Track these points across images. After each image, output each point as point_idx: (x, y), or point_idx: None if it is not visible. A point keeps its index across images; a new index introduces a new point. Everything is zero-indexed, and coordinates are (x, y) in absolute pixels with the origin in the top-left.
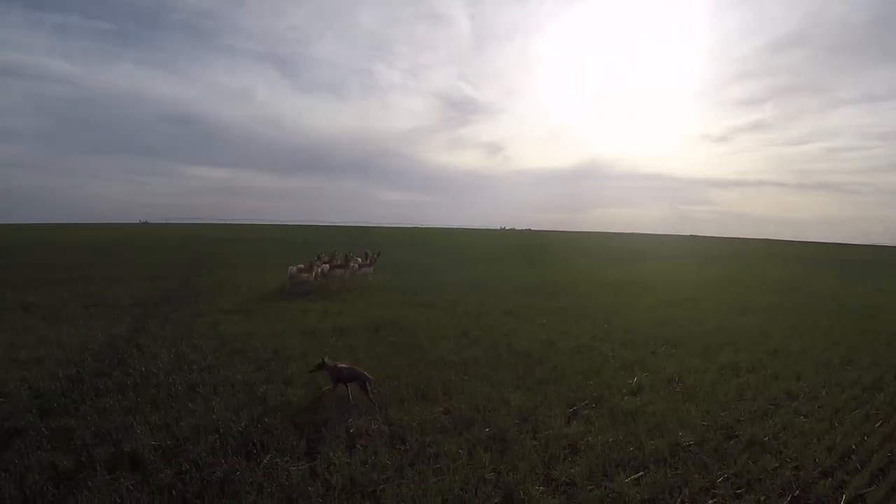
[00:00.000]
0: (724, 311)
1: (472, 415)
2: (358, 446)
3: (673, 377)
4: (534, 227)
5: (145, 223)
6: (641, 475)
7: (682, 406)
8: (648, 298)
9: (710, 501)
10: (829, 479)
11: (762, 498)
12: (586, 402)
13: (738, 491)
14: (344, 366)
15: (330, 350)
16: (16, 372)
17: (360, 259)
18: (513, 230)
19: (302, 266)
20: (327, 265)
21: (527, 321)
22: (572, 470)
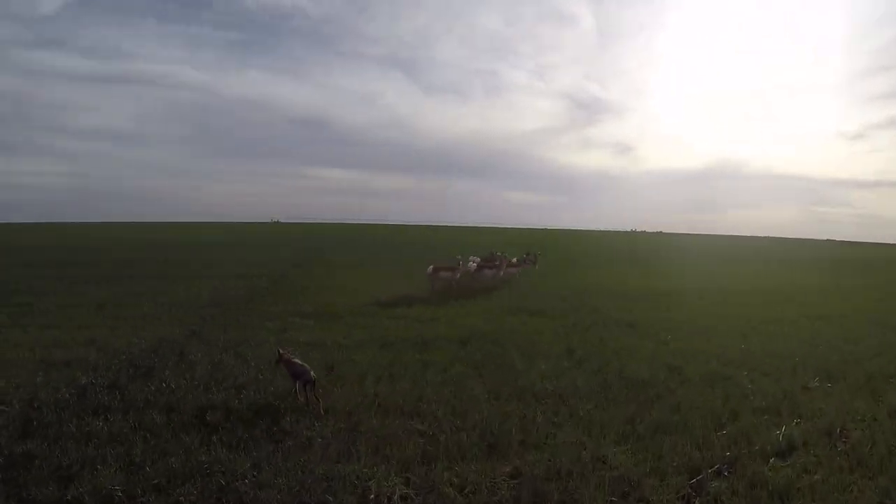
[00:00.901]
0: (879, 330)
1: (548, 484)
2: None
3: (833, 427)
4: (664, 230)
5: (276, 222)
6: None
7: (849, 478)
8: (789, 311)
9: None
10: None
11: None
12: (716, 466)
13: None
14: (297, 361)
15: (397, 368)
16: (32, 376)
17: (514, 259)
18: (643, 233)
19: (441, 265)
20: (474, 264)
21: (648, 336)
22: None
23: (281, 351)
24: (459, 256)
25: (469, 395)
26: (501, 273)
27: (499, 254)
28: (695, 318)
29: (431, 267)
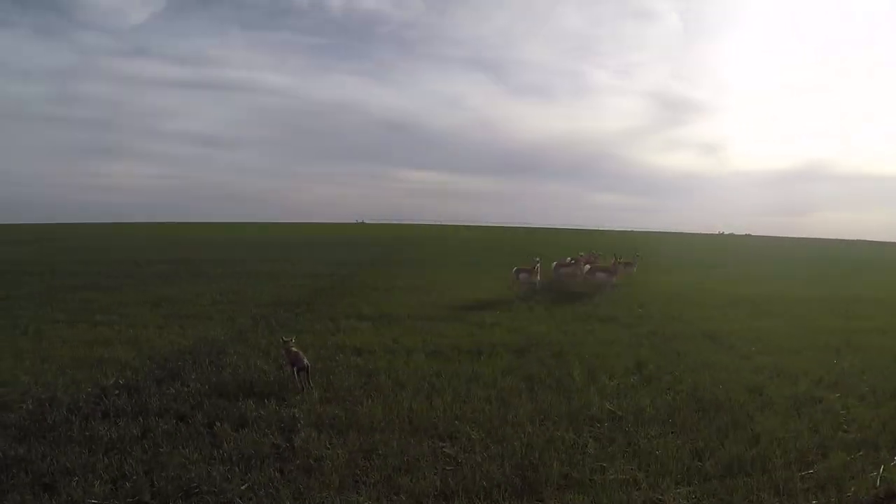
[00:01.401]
0: None
1: None
2: None
3: None
4: (752, 233)
5: (362, 223)
6: None
7: None
8: (886, 321)
9: None
10: None
11: None
12: None
13: None
14: (294, 350)
15: (441, 379)
16: (59, 374)
17: (623, 260)
18: (731, 235)
19: (523, 267)
20: (587, 266)
21: (729, 349)
22: None
23: (285, 339)
24: (538, 258)
25: (514, 415)
26: (615, 278)
27: (596, 255)
28: (782, 329)
29: (514, 270)
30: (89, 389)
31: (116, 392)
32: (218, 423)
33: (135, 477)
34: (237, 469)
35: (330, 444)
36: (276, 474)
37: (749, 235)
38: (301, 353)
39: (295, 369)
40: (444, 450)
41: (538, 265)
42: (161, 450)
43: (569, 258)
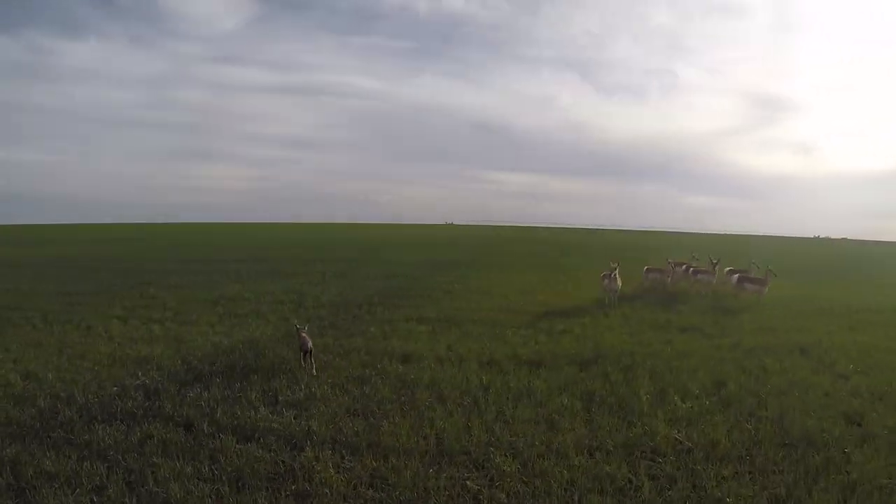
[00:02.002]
0: None
1: None
2: None
3: None
4: (849, 236)
5: (450, 224)
6: None
7: None
8: None
9: None
10: None
11: None
12: None
13: None
14: (304, 335)
15: (487, 394)
16: (87, 372)
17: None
18: (826, 239)
19: (653, 267)
20: (735, 276)
21: (824, 367)
22: None
23: (298, 327)
24: (671, 260)
25: (560, 443)
26: (766, 290)
27: (714, 260)
28: (883, 343)
29: (602, 274)
30: (114, 389)
31: (134, 394)
32: (223, 435)
33: (113, 488)
34: (226, 489)
35: (337, 466)
36: (264, 502)
37: (846, 239)
38: (307, 337)
39: (301, 353)
40: (466, 482)
41: (615, 272)
42: (154, 460)
43: (669, 261)
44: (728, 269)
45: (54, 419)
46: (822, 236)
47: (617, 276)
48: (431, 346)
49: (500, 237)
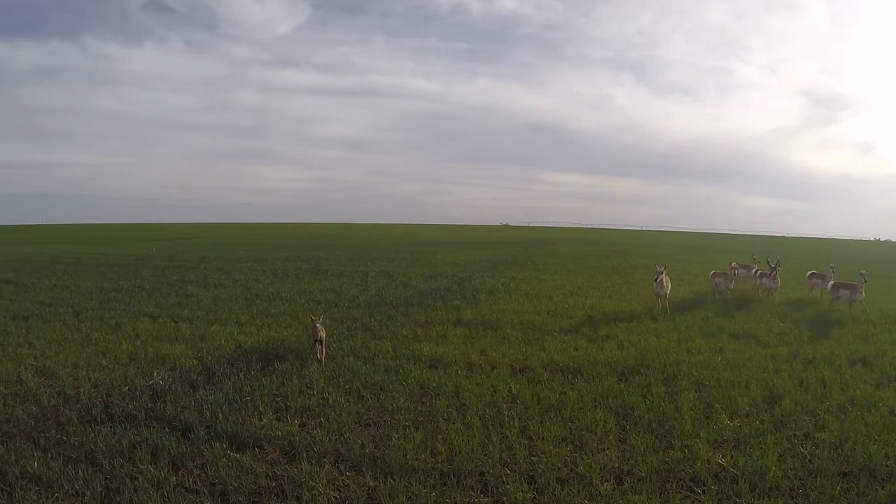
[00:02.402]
0: None
1: None
2: None
3: None
4: None
5: (506, 225)
6: None
7: None
8: None
9: None
10: None
11: None
12: None
13: None
14: (319, 326)
15: (512, 408)
16: (102, 370)
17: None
18: (888, 242)
19: (719, 272)
20: (819, 281)
21: (888, 380)
22: None
23: (313, 318)
24: (734, 264)
25: (586, 466)
26: (861, 297)
27: (773, 263)
28: None
29: (712, 272)
30: (125, 388)
31: (140, 395)
32: (217, 443)
33: (90, 495)
34: (207, 502)
35: (333, 482)
36: None
37: None
38: (321, 327)
39: (313, 340)
40: None
41: (662, 274)
42: (142, 467)
43: (734, 264)
44: (810, 272)
45: (53, 418)
46: (882, 239)
47: (664, 279)
48: (463, 351)
49: (554, 238)
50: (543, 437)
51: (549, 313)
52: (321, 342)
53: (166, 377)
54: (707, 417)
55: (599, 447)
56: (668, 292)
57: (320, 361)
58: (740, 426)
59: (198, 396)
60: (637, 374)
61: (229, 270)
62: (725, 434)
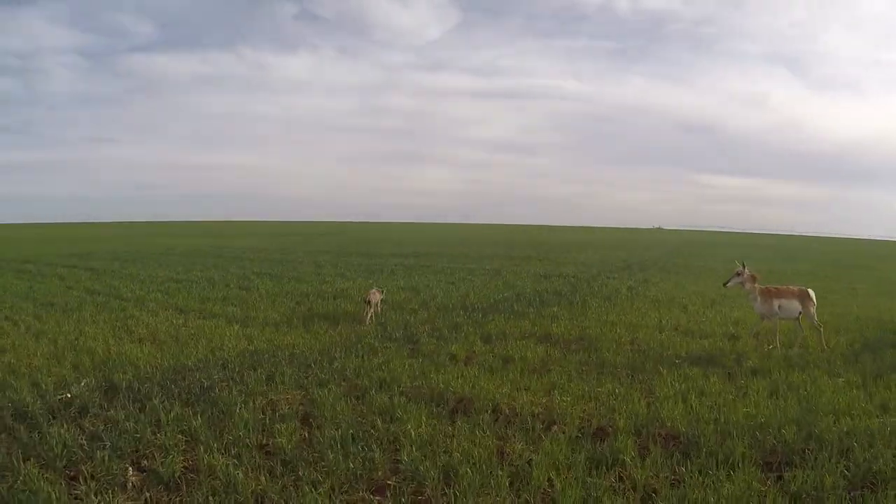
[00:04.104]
0: None
1: None
2: None
3: None
4: None
5: (659, 228)
6: None
7: None
8: None
9: None
10: None
11: None
12: None
13: None
14: (374, 292)
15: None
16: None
17: None
18: None
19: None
20: None
21: None
22: None
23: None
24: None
25: None
26: None
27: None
28: None
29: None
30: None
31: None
32: None
33: None
34: None
35: None
36: None
37: None
38: (376, 292)
39: (364, 302)
40: None
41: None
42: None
43: None
44: None
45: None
46: None
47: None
48: (519, 385)
49: (707, 241)
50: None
51: (676, 329)
52: (369, 304)
53: (96, 385)
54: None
55: None
56: (804, 314)
57: (363, 322)
58: None
59: (100, 416)
60: (801, 457)
61: (322, 265)
62: None
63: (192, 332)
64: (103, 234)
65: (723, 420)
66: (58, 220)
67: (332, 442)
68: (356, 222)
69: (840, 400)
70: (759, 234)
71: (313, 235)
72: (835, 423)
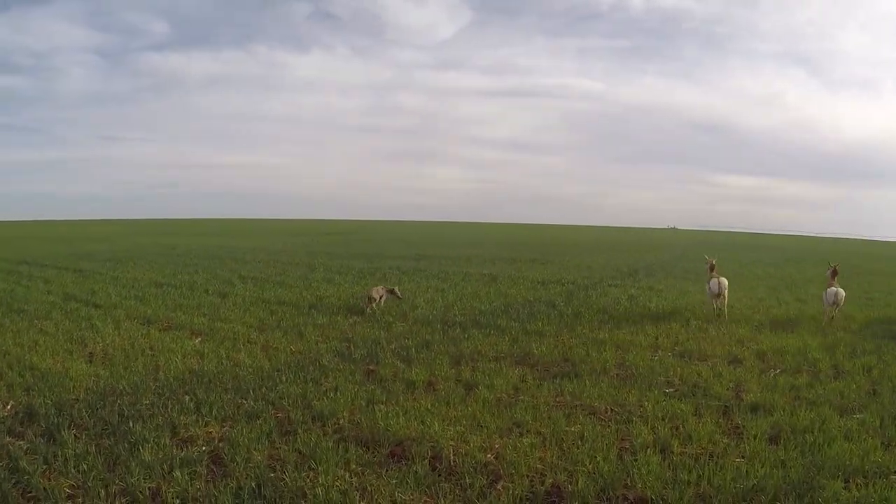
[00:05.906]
0: None
1: None
2: None
3: None
4: None
5: (673, 229)
6: None
7: None
8: None
9: None
10: None
11: None
12: None
13: None
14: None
15: None
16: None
17: None
18: None
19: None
20: None
21: None
22: None
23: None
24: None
25: None
26: None
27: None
28: None
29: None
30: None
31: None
32: None
33: None
34: None
35: None
36: None
37: None
38: (381, 288)
39: (367, 297)
40: None
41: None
42: None
43: None
44: None
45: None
46: None
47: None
48: (474, 423)
49: (719, 242)
50: None
51: (673, 350)
52: (370, 300)
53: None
54: None
55: None
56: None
57: (367, 312)
58: None
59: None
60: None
61: (316, 267)
62: None
63: (146, 346)
64: (110, 233)
65: (706, 481)
66: (69, 217)
67: (231, 494)
68: (371, 220)
69: (853, 451)
70: (773, 234)
71: (321, 235)
72: (845, 487)
